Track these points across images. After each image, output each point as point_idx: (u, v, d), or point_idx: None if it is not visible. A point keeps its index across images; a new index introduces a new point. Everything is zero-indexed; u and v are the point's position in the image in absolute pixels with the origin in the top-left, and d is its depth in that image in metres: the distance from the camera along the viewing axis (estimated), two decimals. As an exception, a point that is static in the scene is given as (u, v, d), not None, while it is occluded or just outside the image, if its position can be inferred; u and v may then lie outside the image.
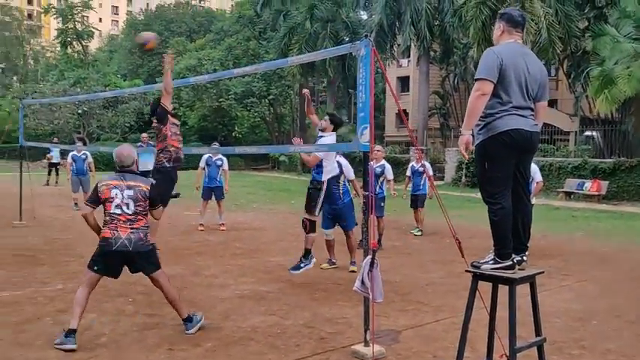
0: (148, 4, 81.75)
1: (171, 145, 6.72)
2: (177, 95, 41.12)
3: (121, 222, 4.65)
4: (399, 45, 33.48)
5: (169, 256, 7.79)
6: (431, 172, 11.42)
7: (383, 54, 31.25)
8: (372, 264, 4.32)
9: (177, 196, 8.70)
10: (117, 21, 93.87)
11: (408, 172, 11.32)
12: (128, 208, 4.70)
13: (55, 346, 4.43)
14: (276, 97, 40.46)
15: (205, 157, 11.16)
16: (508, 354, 3.39)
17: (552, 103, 30.16)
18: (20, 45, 64.25)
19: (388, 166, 9.68)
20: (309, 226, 6.85)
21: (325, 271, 7.57)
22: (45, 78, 50.34)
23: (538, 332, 3.66)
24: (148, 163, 13.59)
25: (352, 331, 4.95)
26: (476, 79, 3.45)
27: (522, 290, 3.56)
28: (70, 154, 14.16)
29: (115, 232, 4.62)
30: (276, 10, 37.89)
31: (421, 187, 11.02)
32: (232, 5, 55.41)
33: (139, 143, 14.83)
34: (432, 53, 32.73)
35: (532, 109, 3.57)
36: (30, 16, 74.27)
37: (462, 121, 3.56)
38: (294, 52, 31.13)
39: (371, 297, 4.33)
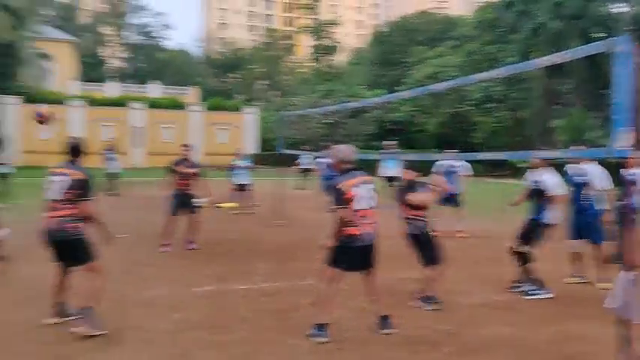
0: (390, 16, 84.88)
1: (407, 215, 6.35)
2: (416, 104, 41.97)
3: (362, 218, 4.87)
4: (664, 37, 29.51)
5: (411, 259, 7.95)
6: None
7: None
8: (630, 281, 3.95)
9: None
10: (361, 34, 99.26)
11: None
12: (371, 201, 4.96)
13: (308, 336, 4.90)
14: (516, 101, 38.70)
15: (443, 163, 11.19)
16: None
17: None
18: (278, 63, 71.90)
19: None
20: (519, 258, 6.43)
21: (571, 286, 7.05)
22: (298, 91, 55.41)
23: None
24: (389, 169, 14.19)
25: (604, 353, 4.56)
26: None
27: None
28: (319, 160, 15.49)
29: (360, 228, 4.87)
30: (518, 11, 36.25)
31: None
32: (473, 11, 54.49)
33: (382, 150, 15.49)
34: None
35: None
36: (287, 36, 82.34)
37: None
38: (536, 53, 29.44)
39: (628, 317, 3.95)
